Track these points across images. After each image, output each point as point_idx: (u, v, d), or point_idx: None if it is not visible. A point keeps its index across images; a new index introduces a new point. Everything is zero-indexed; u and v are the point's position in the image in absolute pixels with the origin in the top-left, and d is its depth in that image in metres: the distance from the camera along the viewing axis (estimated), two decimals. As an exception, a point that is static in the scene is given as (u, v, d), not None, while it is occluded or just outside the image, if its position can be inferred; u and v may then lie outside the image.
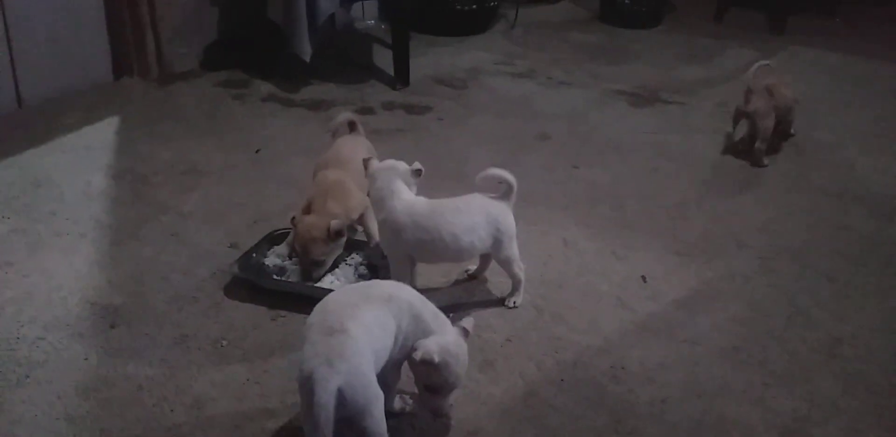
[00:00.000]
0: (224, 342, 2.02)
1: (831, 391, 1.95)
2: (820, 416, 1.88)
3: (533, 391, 1.93)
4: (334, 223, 2.14)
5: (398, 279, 2.06)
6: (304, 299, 2.13)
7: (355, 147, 2.44)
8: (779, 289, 2.34)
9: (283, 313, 2.13)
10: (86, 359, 1.94)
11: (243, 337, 2.04)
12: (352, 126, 2.54)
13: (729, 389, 1.95)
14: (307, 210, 2.22)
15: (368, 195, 2.16)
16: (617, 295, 2.28)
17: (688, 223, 2.66)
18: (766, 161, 3.04)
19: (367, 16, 4.45)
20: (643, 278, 2.36)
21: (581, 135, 3.29)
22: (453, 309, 2.15)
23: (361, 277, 2.27)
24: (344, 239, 2.20)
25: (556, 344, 2.08)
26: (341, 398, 1.48)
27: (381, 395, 1.56)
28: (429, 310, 1.74)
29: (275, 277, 2.24)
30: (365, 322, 1.59)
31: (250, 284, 2.19)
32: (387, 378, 1.70)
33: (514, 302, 2.21)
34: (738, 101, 3.06)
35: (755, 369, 2.02)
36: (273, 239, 2.34)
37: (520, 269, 2.19)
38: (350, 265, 2.31)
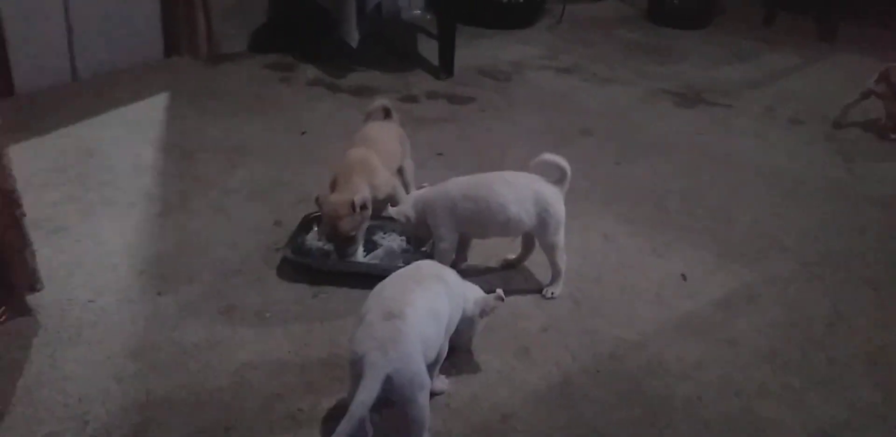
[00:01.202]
0: (268, 315, 2.05)
1: (872, 398, 1.94)
2: (859, 423, 1.86)
3: (568, 380, 1.94)
4: (357, 198, 2.12)
5: (442, 260, 2.11)
6: (347, 278, 2.18)
7: (383, 129, 2.44)
8: (821, 295, 2.32)
9: (325, 290, 2.16)
10: (134, 323, 1.99)
11: (286, 311, 2.07)
12: (386, 113, 2.54)
13: (766, 390, 1.95)
14: (332, 188, 2.21)
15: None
16: (655, 292, 2.28)
17: (730, 225, 2.64)
18: (892, 136, 3.26)
19: (413, 6, 4.47)
20: (683, 276, 2.35)
21: (624, 132, 3.28)
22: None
23: (405, 252, 2.30)
24: (369, 212, 2.18)
25: (592, 336, 2.09)
26: (389, 384, 1.51)
27: (427, 384, 1.59)
28: (470, 288, 1.84)
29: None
30: (421, 309, 1.63)
31: (305, 266, 2.21)
32: (439, 355, 1.74)
33: (553, 293, 2.22)
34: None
35: (794, 372, 2.01)
36: (308, 222, 2.35)
37: (562, 259, 2.19)
38: (389, 242, 2.34)
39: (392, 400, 1.57)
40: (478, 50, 4.04)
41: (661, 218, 2.66)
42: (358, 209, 2.12)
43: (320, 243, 2.30)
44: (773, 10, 4.71)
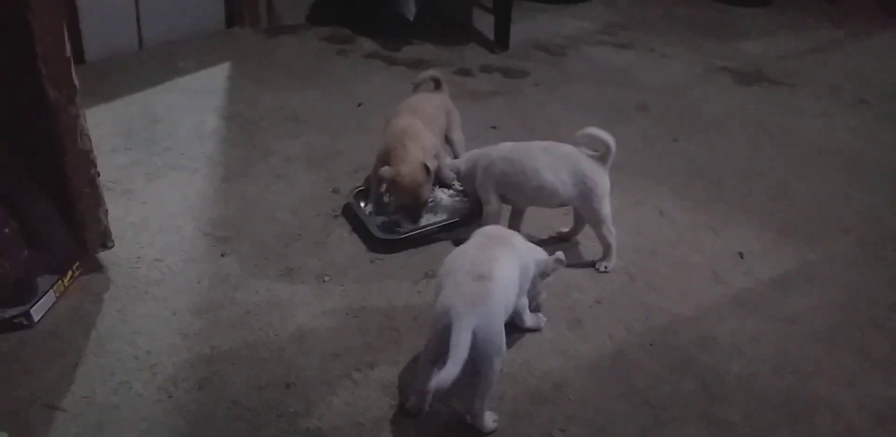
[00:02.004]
0: (326, 278, 2.10)
1: (931, 380, 1.91)
2: (917, 404, 1.84)
3: (621, 351, 1.94)
4: (431, 163, 2.18)
5: (490, 221, 2.18)
6: (403, 244, 2.22)
7: (427, 99, 2.45)
8: (882, 276, 2.27)
9: (380, 256, 2.20)
10: (199, 282, 2.06)
11: (344, 275, 2.12)
12: (437, 84, 2.54)
13: (822, 369, 1.93)
14: (386, 160, 2.22)
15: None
16: (711, 268, 2.26)
17: (789, 204, 2.60)
18: None
19: (470, -21, 4.43)
20: (740, 254, 2.33)
21: (681, 108, 3.23)
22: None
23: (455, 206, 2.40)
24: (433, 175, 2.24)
25: (646, 310, 2.09)
26: (473, 339, 1.55)
27: (504, 347, 1.65)
28: (530, 248, 1.88)
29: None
30: (506, 273, 1.69)
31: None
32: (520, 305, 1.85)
33: (606, 266, 2.22)
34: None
35: (852, 352, 1.98)
36: (358, 197, 2.37)
37: (609, 233, 2.18)
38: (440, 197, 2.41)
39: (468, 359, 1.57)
40: (533, 24, 4.00)
41: (717, 195, 2.63)
42: (432, 174, 2.18)
43: (383, 217, 2.32)
44: (840, -13, 4.54)
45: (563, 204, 2.19)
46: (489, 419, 1.70)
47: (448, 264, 1.71)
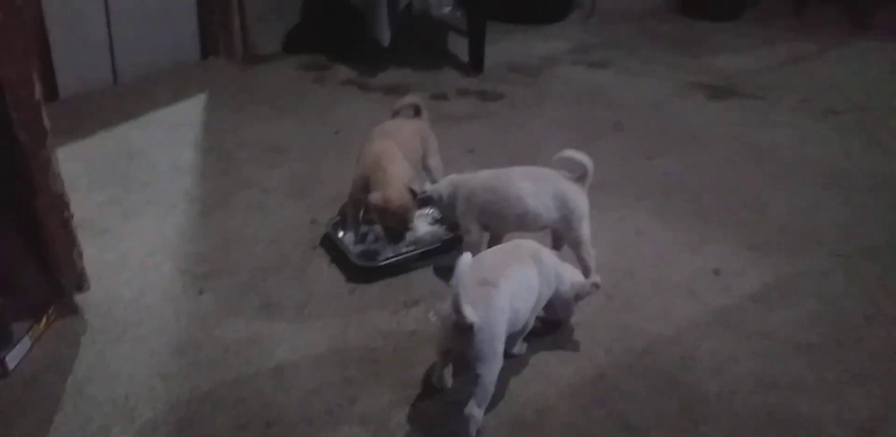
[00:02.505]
0: (305, 311, 2.10)
1: (910, 392, 1.92)
2: (897, 416, 1.85)
3: (602, 374, 1.95)
4: (414, 187, 2.19)
5: (471, 250, 2.13)
6: (383, 272, 2.23)
7: (402, 124, 2.46)
8: (858, 288, 2.29)
9: (359, 287, 2.21)
10: (177, 321, 2.06)
11: (323, 308, 2.12)
12: (416, 111, 2.55)
13: (802, 385, 1.94)
14: (364, 186, 2.22)
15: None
16: (689, 287, 2.28)
17: (765, 218, 2.62)
18: None
19: (443, 3, 4.48)
20: (716, 271, 2.35)
21: (657, 126, 3.26)
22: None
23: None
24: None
25: (625, 331, 2.10)
26: (470, 337, 1.65)
27: (500, 354, 1.72)
28: (566, 268, 1.96)
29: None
30: (515, 282, 1.75)
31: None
32: (525, 325, 1.89)
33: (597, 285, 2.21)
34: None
35: (831, 366, 2.00)
36: (336, 227, 2.37)
37: (588, 254, 2.19)
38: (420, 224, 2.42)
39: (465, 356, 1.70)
40: (508, 46, 4.04)
41: (694, 212, 2.65)
42: (416, 197, 2.20)
43: (361, 246, 2.33)
44: (805, -1, 4.63)
45: (545, 228, 2.21)
46: (474, 429, 1.72)
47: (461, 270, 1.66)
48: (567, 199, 2.12)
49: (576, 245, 2.18)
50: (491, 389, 1.71)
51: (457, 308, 1.60)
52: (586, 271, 2.22)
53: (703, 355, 2.02)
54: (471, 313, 1.61)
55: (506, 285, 1.72)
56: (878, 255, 2.44)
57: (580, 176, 2.14)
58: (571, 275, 1.95)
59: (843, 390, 1.92)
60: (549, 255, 1.91)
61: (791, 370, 1.98)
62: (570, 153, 2.12)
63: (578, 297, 1.95)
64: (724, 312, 2.19)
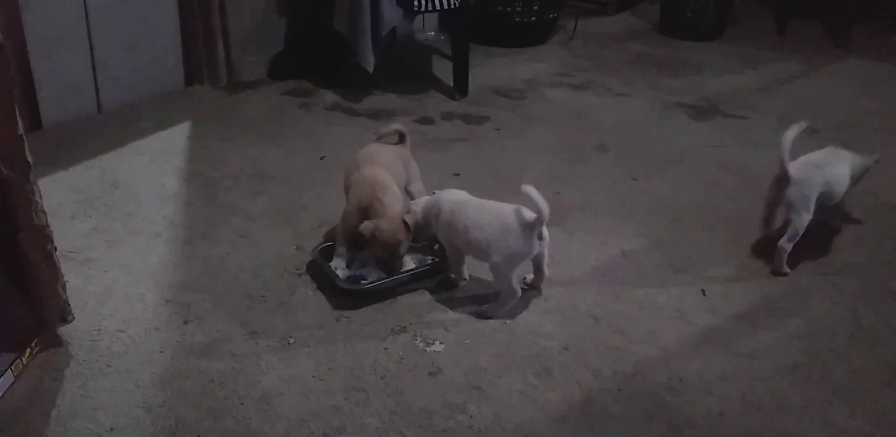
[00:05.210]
0: (291, 340, 2.09)
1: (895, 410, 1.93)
2: (883, 435, 1.85)
3: (590, 399, 1.95)
4: (409, 219, 2.21)
5: (453, 263, 2.28)
6: (369, 299, 2.23)
7: (384, 149, 2.47)
8: (842, 306, 2.31)
9: (346, 314, 2.20)
10: (161, 352, 2.04)
11: (309, 336, 2.11)
12: (401, 137, 2.56)
13: (789, 404, 1.94)
14: (361, 214, 2.24)
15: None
16: (675, 307, 2.29)
17: (749, 238, 2.64)
18: None
19: (427, 27, 4.54)
20: (703, 291, 2.36)
21: (640, 147, 3.29)
22: (509, 317, 2.21)
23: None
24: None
25: (613, 354, 2.10)
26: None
27: (811, 211, 2.39)
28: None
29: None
30: (835, 171, 2.48)
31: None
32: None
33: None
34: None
35: (817, 385, 2.00)
36: (325, 254, 2.36)
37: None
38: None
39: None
40: (492, 69, 4.09)
41: (679, 233, 2.67)
42: (411, 230, 2.22)
43: (347, 271, 2.32)
44: (785, 18, 4.71)
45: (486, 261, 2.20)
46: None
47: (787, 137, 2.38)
48: (510, 234, 2.09)
49: (496, 277, 2.18)
50: (800, 231, 2.37)
51: (781, 165, 2.31)
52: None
53: (691, 376, 2.03)
54: (792, 169, 2.31)
55: (828, 169, 2.42)
56: (861, 272, 2.46)
57: (534, 220, 2.08)
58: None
59: (829, 409, 1.93)
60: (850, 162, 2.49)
61: (777, 389, 1.99)
62: (529, 191, 2.05)
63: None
64: (711, 332, 2.19)
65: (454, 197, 2.26)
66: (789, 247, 2.41)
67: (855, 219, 2.76)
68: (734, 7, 4.68)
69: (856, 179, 2.56)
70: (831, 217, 2.65)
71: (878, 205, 2.86)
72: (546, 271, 2.28)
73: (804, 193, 2.37)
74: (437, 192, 2.33)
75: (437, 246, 2.38)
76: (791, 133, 2.37)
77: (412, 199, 2.51)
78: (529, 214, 2.10)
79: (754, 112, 3.64)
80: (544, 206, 2.05)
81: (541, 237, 2.13)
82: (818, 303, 2.32)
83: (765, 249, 2.58)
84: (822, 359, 2.09)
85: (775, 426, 1.87)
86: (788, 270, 2.44)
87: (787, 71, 4.18)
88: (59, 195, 2.71)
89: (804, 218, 2.39)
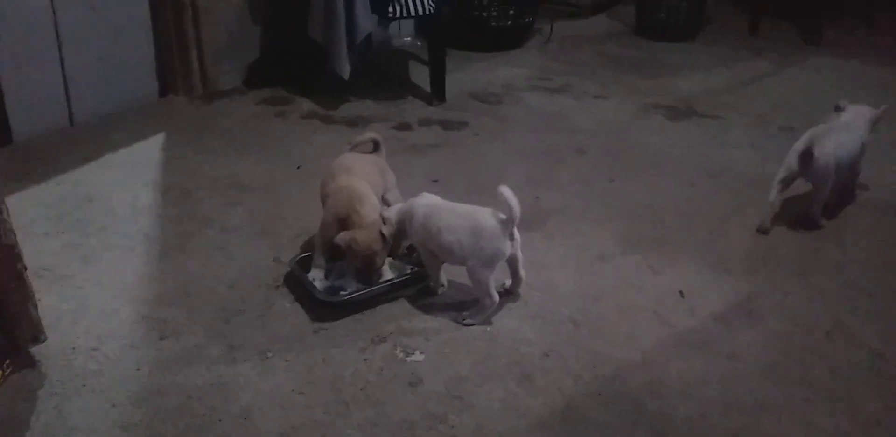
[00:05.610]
0: (269, 354, 2.07)
1: (874, 407, 1.94)
2: (862, 433, 1.86)
3: (571, 404, 1.94)
4: (386, 230, 2.20)
5: (430, 270, 2.27)
6: (348, 309, 2.21)
7: (360, 158, 2.47)
8: (819, 305, 2.32)
9: (325, 325, 2.18)
10: (138, 369, 2.01)
11: (287, 349, 2.09)
12: (375, 145, 2.55)
13: (769, 405, 1.95)
14: (342, 225, 2.23)
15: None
16: (654, 310, 2.29)
17: (726, 238, 2.65)
18: None
19: (403, 33, 4.53)
20: (681, 293, 2.36)
21: (618, 149, 3.30)
22: (489, 323, 2.20)
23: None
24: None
25: (594, 358, 2.09)
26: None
27: (832, 179, 2.61)
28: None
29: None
30: (839, 144, 2.68)
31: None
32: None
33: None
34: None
35: (796, 385, 2.01)
36: (303, 265, 2.34)
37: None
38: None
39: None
40: (469, 74, 4.09)
41: (657, 234, 2.67)
42: (388, 241, 2.21)
43: (325, 282, 2.31)
44: (757, 18, 4.75)
45: (461, 263, 2.20)
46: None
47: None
48: (482, 236, 2.10)
49: (474, 283, 2.17)
50: (826, 196, 2.63)
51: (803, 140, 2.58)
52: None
53: (672, 379, 2.03)
54: (811, 140, 2.55)
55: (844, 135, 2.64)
56: (838, 271, 2.48)
57: (506, 220, 2.09)
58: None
59: (808, 408, 1.94)
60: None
61: (757, 390, 1.99)
62: (504, 192, 2.06)
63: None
64: (691, 334, 2.20)
65: (427, 202, 2.26)
66: (819, 209, 2.68)
67: (833, 215, 2.78)
68: (707, 8, 4.72)
69: (869, 130, 2.76)
70: (852, 180, 2.83)
71: (855, 204, 2.88)
72: (522, 274, 2.28)
73: (826, 162, 2.58)
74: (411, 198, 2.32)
75: (415, 254, 2.37)
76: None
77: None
78: (500, 215, 2.11)
79: (730, 112, 3.66)
80: (516, 205, 2.06)
81: (512, 238, 2.14)
82: (795, 303, 2.33)
83: (741, 248, 2.60)
84: (800, 358, 2.10)
85: (756, 427, 1.88)
86: (825, 222, 2.72)
87: (762, 70, 4.21)
88: (31, 211, 2.68)
89: (828, 184, 2.64)
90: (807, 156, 2.58)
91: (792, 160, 2.62)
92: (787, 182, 2.68)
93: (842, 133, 2.67)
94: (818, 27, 4.59)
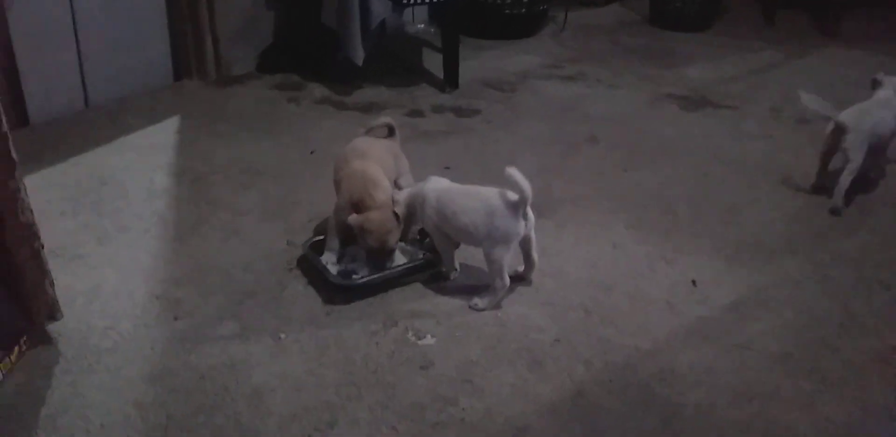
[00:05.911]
0: (282, 336, 2.09)
1: (885, 398, 1.94)
2: (873, 424, 1.86)
3: (581, 391, 1.95)
4: (399, 211, 2.21)
5: (443, 254, 2.29)
6: (359, 292, 2.23)
7: (373, 142, 2.48)
8: (832, 296, 2.31)
9: (337, 308, 2.20)
10: (151, 348, 2.03)
11: (300, 331, 2.11)
12: (390, 130, 2.56)
13: (779, 395, 1.95)
14: (356, 209, 2.23)
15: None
16: (666, 299, 2.29)
17: (739, 228, 2.65)
18: None
19: (417, 20, 4.51)
20: (693, 282, 2.36)
21: (630, 138, 3.29)
22: (499, 308, 2.21)
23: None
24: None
25: (604, 346, 2.10)
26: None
27: (863, 154, 2.68)
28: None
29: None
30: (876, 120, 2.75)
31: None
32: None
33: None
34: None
35: (807, 375, 2.01)
36: (316, 249, 2.35)
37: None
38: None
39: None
40: (482, 61, 4.07)
41: (669, 224, 2.67)
42: (400, 222, 2.21)
43: (339, 267, 2.31)
44: (773, 8, 4.70)
45: (478, 244, 2.21)
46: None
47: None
48: (495, 216, 2.12)
49: (489, 263, 2.17)
50: (856, 170, 2.67)
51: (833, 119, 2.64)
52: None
53: (682, 367, 2.03)
54: (844, 118, 2.61)
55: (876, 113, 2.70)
56: (851, 262, 2.47)
57: (518, 201, 2.10)
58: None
59: (819, 398, 1.94)
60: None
61: (767, 380, 1.99)
62: (513, 174, 2.07)
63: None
64: (702, 323, 2.20)
65: (438, 186, 2.27)
66: (848, 182, 2.69)
67: (848, 210, 2.76)
68: (723, -3, 4.68)
69: None
70: (884, 158, 2.89)
71: (869, 197, 2.87)
72: (535, 258, 2.28)
73: (858, 138, 2.65)
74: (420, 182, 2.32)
75: (427, 240, 2.37)
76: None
77: None
78: (513, 195, 2.12)
79: (744, 102, 3.64)
80: (527, 186, 2.07)
81: (526, 218, 2.14)
82: (807, 293, 2.33)
83: (754, 239, 2.59)
84: (812, 349, 2.10)
85: (766, 417, 1.88)
86: (843, 205, 2.71)
87: (776, 61, 4.18)
88: (47, 192, 2.70)
89: (859, 159, 2.68)
90: (837, 131, 2.66)
91: (828, 135, 2.72)
92: (825, 166, 2.80)
93: (882, 109, 2.73)
94: (835, 18, 4.54)
